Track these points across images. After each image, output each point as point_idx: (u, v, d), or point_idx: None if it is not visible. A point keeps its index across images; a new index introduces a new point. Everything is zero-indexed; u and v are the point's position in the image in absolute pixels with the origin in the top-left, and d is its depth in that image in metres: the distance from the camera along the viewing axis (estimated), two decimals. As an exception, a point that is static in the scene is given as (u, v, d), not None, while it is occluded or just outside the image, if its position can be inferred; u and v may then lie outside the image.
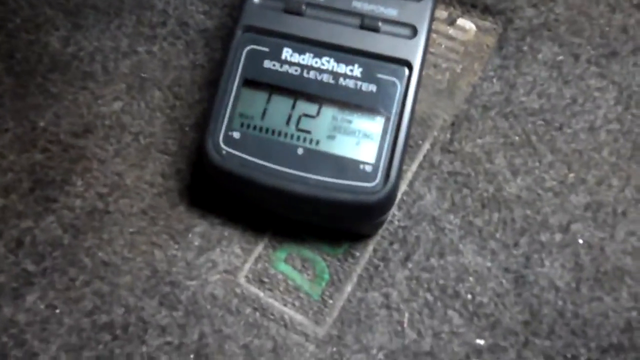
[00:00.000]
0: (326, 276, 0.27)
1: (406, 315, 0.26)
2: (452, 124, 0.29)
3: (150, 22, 0.32)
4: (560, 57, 0.31)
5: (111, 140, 0.29)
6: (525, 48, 0.31)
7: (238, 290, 0.27)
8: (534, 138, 0.29)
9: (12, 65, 0.31)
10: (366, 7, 0.26)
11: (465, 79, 0.31)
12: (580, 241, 0.27)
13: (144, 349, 0.25)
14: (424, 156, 0.29)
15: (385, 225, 0.27)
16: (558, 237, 0.27)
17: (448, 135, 0.29)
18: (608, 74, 0.30)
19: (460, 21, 0.32)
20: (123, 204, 0.28)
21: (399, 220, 0.28)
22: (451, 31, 0.32)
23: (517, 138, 0.29)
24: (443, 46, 0.32)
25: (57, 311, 0.26)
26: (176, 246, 0.27)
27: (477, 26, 0.32)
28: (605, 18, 0.31)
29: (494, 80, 0.30)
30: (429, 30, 0.26)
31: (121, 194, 0.28)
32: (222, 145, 0.25)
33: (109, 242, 0.27)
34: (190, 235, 0.27)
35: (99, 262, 0.27)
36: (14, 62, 0.31)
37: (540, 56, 0.31)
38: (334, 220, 0.26)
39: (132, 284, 0.27)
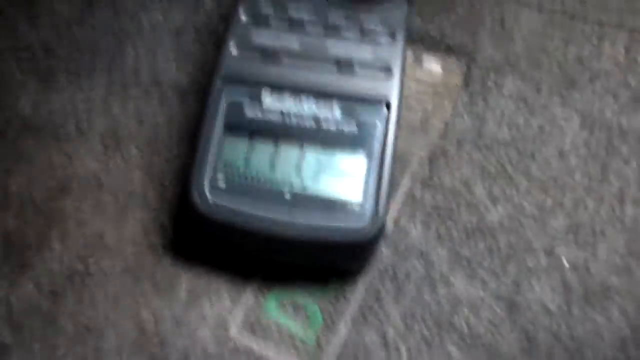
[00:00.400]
0: (319, 320, 0.27)
1: (404, 352, 0.26)
2: (430, 160, 0.30)
3: (123, 81, 0.32)
4: (524, 90, 0.32)
5: (89, 200, 0.29)
6: (490, 84, 0.32)
7: (230, 344, 0.26)
8: (509, 167, 0.30)
9: (-19, 131, 0.30)
10: (342, 52, 0.27)
11: (438, 117, 0.32)
12: (566, 263, 0.27)
13: (135, 415, 0.24)
14: (405, 192, 0.29)
15: (374, 264, 0.27)
16: (544, 261, 0.27)
17: (427, 171, 0.30)
18: (570, 102, 0.32)
19: (427, 64, 0.34)
20: (104, 264, 0.27)
21: (387, 258, 0.28)
22: (418, 73, 0.33)
23: (492, 169, 0.30)
24: (413, 89, 0.33)
25: (40, 383, 0.25)
26: (163, 303, 0.26)
27: (442, 67, 0.33)
28: (560, 51, 0.33)
29: (465, 115, 0.32)
30: (404, 69, 0.27)
31: (102, 254, 0.27)
32: (208, 195, 0.25)
33: (92, 305, 0.26)
34: (176, 290, 0.27)
35: (82, 326, 0.26)
36: (-17, 127, 0.30)
37: (505, 90, 0.32)
38: (324, 261, 0.26)
39: (119, 347, 0.25)
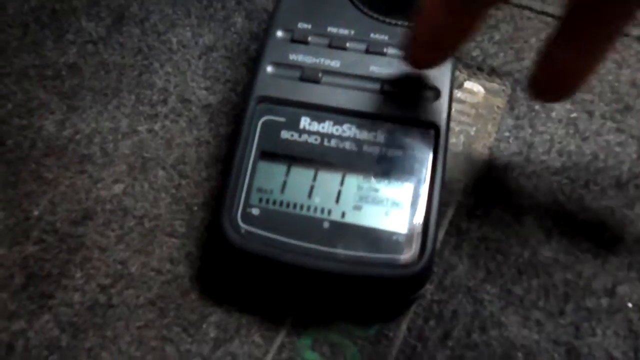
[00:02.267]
0: (358, 362, 0.24)
1: (453, 401, 0.23)
2: (475, 188, 0.28)
3: (151, 101, 0.31)
4: (574, 114, 0.30)
5: (113, 226, 0.27)
6: (537, 107, 0.30)
7: (262, 386, 0.24)
8: (561, 197, 0.28)
9: (4, 153, 0.29)
10: (385, 72, 0.25)
11: (481, 141, 0.30)
12: (630, 305, 0.25)
13: None
14: (450, 223, 0.27)
15: (417, 301, 0.25)
16: (605, 301, 0.25)
17: (472, 200, 0.28)
18: (625, 128, 0.29)
19: (468, 84, 0.32)
20: (128, 295, 0.25)
21: (431, 294, 0.25)
22: (460, 95, 0.31)
23: (543, 198, 0.28)
24: (454, 110, 0.31)
25: None
26: (190, 339, 0.24)
27: (485, 88, 0.32)
28: (613, 74, 0.31)
29: (511, 140, 0.30)
30: (452, 91, 0.25)
31: (125, 285, 0.26)
32: (241, 224, 0.23)
33: (114, 340, 0.24)
34: (204, 326, 0.25)
35: (103, 364, 0.24)
36: (5, 149, 0.29)
37: (553, 114, 0.30)
38: (366, 298, 0.24)
39: (142, 388, 0.23)
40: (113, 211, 0.27)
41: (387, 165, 0.24)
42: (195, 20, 0.33)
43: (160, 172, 0.29)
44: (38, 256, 0.26)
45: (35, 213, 0.27)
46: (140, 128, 0.30)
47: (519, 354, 0.24)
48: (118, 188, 0.28)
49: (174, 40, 0.33)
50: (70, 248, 0.26)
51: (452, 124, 0.30)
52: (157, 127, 0.30)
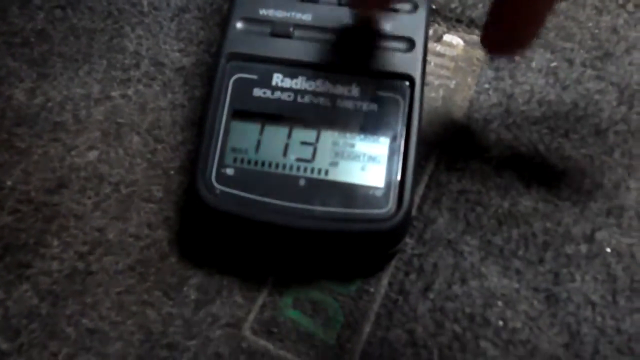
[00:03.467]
0: (340, 318, 0.24)
1: (434, 351, 0.23)
2: (455, 141, 0.28)
3: (123, 65, 0.30)
4: (555, 64, 0.30)
5: (88, 193, 0.27)
6: (516, 57, 0.30)
7: (245, 345, 0.24)
8: (541, 147, 0.27)
9: (-27, 123, 0.28)
10: (357, 24, 0.24)
11: (461, 94, 0.30)
12: (608, 250, 0.25)
13: None
14: (430, 177, 0.27)
15: (398, 255, 0.25)
16: (584, 248, 0.25)
17: (451, 153, 0.28)
18: (605, 75, 0.29)
19: (447, 37, 0.31)
20: (107, 261, 0.25)
21: (412, 248, 0.25)
22: (439, 48, 0.31)
23: (523, 149, 0.27)
24: (432, 63, 0.30)
25: (40, 392, 0.23)
26: (170, 302, 0.24)
27: (464, 40, 0.31)
28: (593, 20, 0.30)
29: (490, 92, 0.29)
30: (426, 41, 0.24)
31: (104, 251, 0.25)
32: (215, 184, 0.23)
33: (94, 307, 0.24)
34: (185, 289, 0.25)
35: (84, 330, 0.24)
36: (-25, 119, 0.29)
37: (533, 64, 0.30)
38: (345, 254, 0.24)
39: (124, 352, 0.23)
40: (88, 178, 0.27)
41: (362, 120, 0.23)
42: (165, -20, 0.32)
43: (135, 138, 0.28)
44: (13, 226, 0.26)
45: (9, 183, 0.27)
46: (113, 93, 0.29)
47: (499, 303, 0.24)
48: (92, 155, 0.28)
49: (145, 2, 0.32)
50: (46, 217, 0.26)
51: (431, 78, 0.30)
52: (130, 91, 0.29)
